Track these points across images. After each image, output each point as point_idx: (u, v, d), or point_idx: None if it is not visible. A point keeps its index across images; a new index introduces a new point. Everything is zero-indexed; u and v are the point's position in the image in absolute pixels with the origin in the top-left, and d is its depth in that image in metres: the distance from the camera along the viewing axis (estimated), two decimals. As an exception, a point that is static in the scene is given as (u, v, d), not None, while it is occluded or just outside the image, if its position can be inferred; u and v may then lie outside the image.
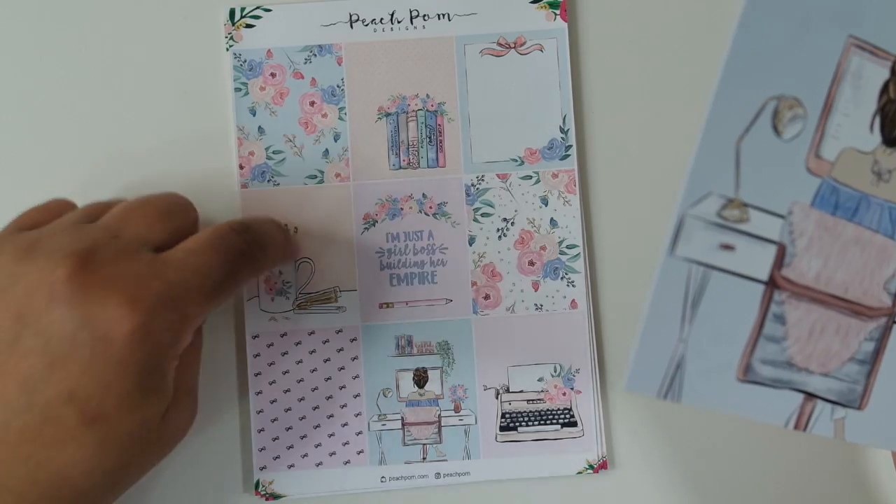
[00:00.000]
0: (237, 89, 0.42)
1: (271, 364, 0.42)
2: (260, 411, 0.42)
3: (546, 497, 0.42)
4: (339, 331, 0.42)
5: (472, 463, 0.42)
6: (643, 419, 0.43)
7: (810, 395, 0.34)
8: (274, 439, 0.42)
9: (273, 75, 0.42)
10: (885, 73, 0.33)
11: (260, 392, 0.42)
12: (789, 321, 0.34)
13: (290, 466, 0.42)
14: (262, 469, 0.42)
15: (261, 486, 0.42)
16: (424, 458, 0.42)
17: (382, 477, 0.42)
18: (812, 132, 0.33)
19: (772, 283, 0.33)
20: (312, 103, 0.42)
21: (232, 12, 0.42)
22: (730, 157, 0.32)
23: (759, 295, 0.33)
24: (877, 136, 0.33)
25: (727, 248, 0.32)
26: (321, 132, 0.42)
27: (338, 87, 0.42)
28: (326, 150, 0.42)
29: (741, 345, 0.33)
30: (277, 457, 0.42)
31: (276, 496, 0.42)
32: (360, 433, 0.42)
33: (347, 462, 0.42)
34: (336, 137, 0.42)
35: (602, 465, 0.42)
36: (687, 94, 0.43)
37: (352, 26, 0.42)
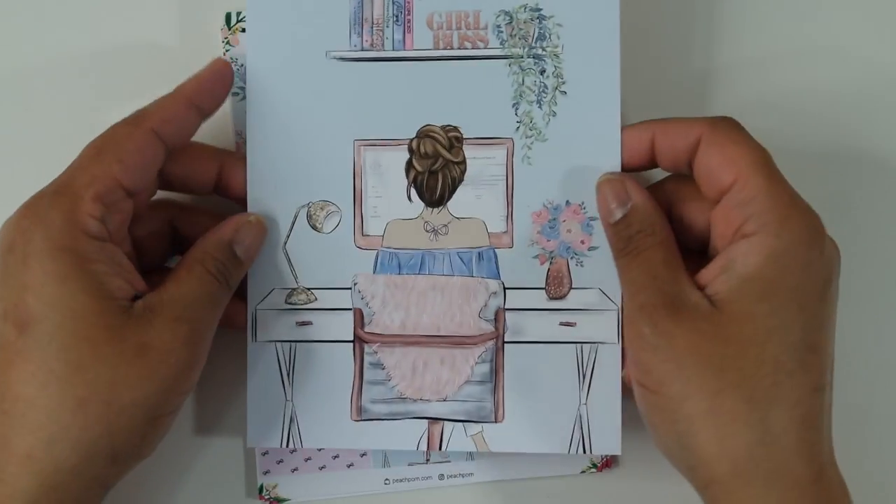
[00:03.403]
0: (234, 93, 0.42)
1: (273, 368, 0.42)
2: (262, 415, 0.42)
3: (551, 496, 0.42)
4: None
5: (475, 463, 0.42)
6: (646, 417, 0.43)
7: (435, 419, 0.40)
8: (277, 443, 0.42)
9: (270, 79, 0.42)
10: (404, 155, 0.39)
11: (262, 396, 0.42)
12: (388, 365, 0.40)
13: (294, 470, 0.42)
14: (265, 473, 0.42)
15: (265, 490, 0.42)
16: (428, 460, 0.42)
17: (386, 479, 0.42)
18: (351, 219, 0.40)
19: (359, 340, 0.40)
20: (310, 106, 0.42)
21: (228, 17, 0.42)
22: (282, 258, 0.40)
23: (350, 351, 0.40)
24: (418, 204, 0.40)
25: (305, 324, 0.40)
26: (319, 135, 0.42)
27: (335, 89, 0.42)
28: (325, 153, 0.42)
29: (347, 392, 0.40)
30: (281, 461, 0.42)
31: (280, 500, 0.42)
32: (363, 436, 0.42)
33: (351, 465, 0.42)
34: (334, 140, 0.42)
35: (606, 464, 0.42)
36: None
37: (348, 28, 0.42)
